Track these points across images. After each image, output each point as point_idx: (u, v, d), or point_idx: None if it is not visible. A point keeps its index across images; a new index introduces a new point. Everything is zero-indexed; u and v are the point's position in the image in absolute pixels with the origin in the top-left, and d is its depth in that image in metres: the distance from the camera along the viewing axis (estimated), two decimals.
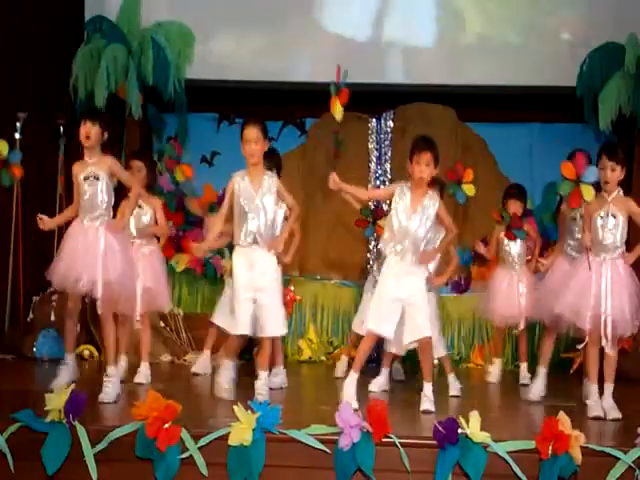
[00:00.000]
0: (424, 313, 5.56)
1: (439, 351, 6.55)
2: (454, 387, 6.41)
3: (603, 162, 5.49)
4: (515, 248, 7.14)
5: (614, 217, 5.47)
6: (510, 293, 7.01)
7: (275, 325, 5.69)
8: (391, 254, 5.58)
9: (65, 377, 5.64)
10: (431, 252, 5.78)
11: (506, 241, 7.15)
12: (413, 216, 5.55)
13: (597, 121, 8.46)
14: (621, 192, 5.55)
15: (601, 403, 5.41)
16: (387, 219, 5.78)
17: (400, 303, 5.51)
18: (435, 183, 6.34)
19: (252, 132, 5.69)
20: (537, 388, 6.25)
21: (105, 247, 5.49)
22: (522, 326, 7.01)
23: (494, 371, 7.22)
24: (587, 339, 5.50)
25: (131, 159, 6.77)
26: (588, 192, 5.47)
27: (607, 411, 5.35)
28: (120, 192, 5.95)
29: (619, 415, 5.30)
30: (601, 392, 5.46)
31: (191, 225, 9.03)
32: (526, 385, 6.93)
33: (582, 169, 5.52)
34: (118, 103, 8.55)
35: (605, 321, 5.34)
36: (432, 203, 5.59)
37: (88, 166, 5.61)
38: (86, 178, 5.59)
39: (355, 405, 5.16)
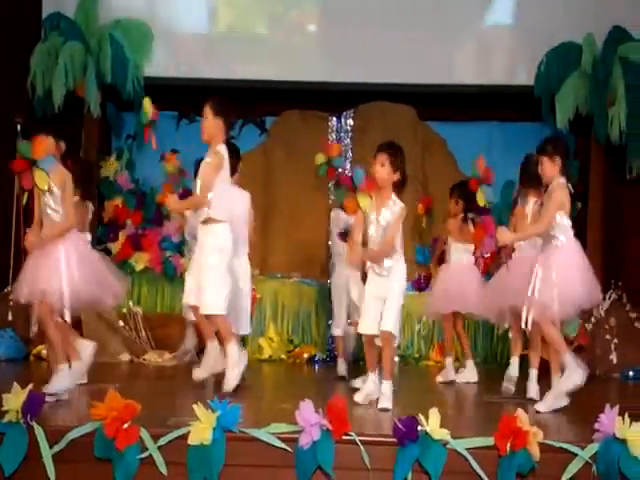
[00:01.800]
0: (391, 310, 5.57)
1: None
2: None
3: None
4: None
5: None
6: (444, 288, 7.07)
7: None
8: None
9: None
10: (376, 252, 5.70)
11: (449, 239, 7.19)
12: (373, 223, 5.64)
13: (554, 120, 8.55)
14: None
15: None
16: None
17: (379, 301, 5.57)
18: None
19: (205, 108, 5.84)
20: (533, 387, 6.20)
21: (65, 258, 5.43)
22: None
23: (447, 369, 7.20)
24: None
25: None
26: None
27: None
28: None
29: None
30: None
31: (150, 223, 9.00)
32: (452, 381, 6.98)
33: None
34: (76, 101, 8.49)
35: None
36: (389, 214, 5.61)
37: None
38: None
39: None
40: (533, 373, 6.16)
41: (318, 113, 9.33)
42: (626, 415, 4.47)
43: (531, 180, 6.19)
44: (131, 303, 8.08)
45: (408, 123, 9.13)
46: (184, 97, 9.15)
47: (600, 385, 7.10)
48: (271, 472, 4.42)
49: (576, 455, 4.40)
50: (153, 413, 4.68)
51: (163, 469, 4.35)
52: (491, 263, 7.16)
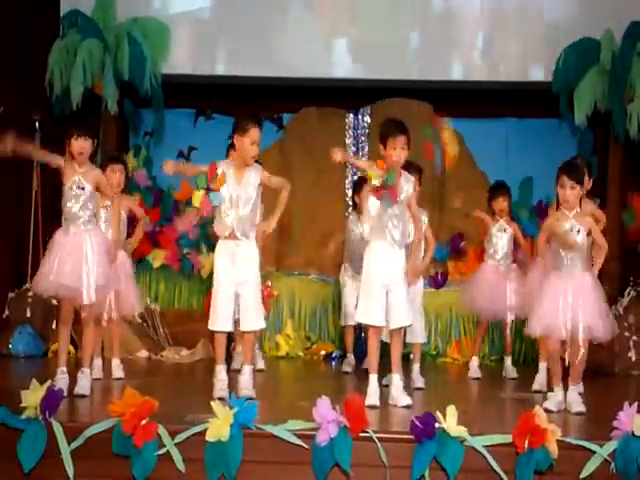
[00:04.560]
0: (405, 300, 5.53)
1: (419, 337, 6.58)
2: (419, 379, 6.43)
3: (562, 181, 5.52)
4: (503, 242, 7.12)
5: (578, 232, 5.52)
6: (498, 286, 7.01)
7: (258, 318, 5.68)
8: (375, 240, 5.57)
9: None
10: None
11: (498, 234, 7.11)
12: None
13: (573, 116, 8.51)
14: (579, 209, 5.60)
15: (564, 396, 5.44)
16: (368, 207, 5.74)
17: (384, 289, 5.48)
18: (412, 168, 6.34)
19: (257, 134, 5.58)
20: (540, 379, 6.33)
21: (92, 253, 5.49)
22: (509, 320, 7.04)
23: (473, 367, 7.19)
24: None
25: (110, 163, 6.68)
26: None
27: (570, 404, 5.35)
28: None
29: (583, 409, 5.31)
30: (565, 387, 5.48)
31: (167, 220, 9.02)
32: (514, 379, 6.96)
33: None
34: (94, 98, 8.52)
35: (579, 329, 5.37)
36: (407, 186, 5.58)
37: (75, 174, 5.57)
38: (71, 187, 5.56)
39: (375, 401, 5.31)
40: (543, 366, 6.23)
41: (335, 110, 9.31)
42: None
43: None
44: (149, 300, 8.11)
45: (425, 120, 9.09)
46: (201, 94, 9.17)
47: (619, 382, 7.07)
48: (288, 469, 4.42)
49: (594, 452, 4.37)
50: (171, 410, 4.70)
51: (181, 466, 4.36)
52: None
